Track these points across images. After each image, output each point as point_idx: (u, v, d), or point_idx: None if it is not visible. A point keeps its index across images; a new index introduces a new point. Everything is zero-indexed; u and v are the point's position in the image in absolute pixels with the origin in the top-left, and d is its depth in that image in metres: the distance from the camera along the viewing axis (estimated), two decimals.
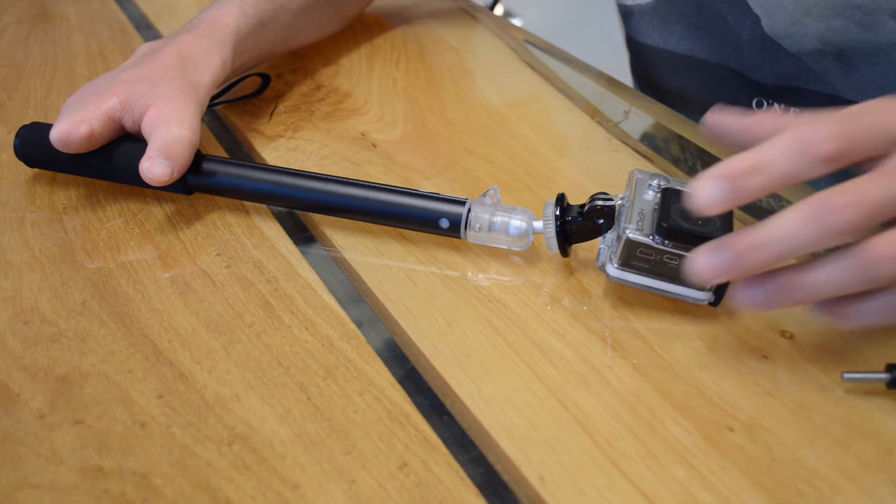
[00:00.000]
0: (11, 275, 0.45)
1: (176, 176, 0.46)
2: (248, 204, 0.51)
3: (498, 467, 0.36)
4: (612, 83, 0.64)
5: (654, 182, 0.42)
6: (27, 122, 0.53)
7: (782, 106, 0.59)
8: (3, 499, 0.34)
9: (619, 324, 0.42)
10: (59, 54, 0.68)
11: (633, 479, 0.34)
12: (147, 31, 0.72)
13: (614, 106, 0.61)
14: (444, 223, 0.46)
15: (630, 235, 0.40)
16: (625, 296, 0.43)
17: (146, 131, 0.47)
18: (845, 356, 0.40)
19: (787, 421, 0.37)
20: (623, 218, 0.41)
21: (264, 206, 0.51)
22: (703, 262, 0.36)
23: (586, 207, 0.43)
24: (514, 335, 0.41)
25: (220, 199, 0.51)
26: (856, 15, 0.52)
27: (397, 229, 0.48)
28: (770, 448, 0.36)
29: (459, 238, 0.46)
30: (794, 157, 0.34)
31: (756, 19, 0.56)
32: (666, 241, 0.39)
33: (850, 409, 0.38)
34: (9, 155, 0.55)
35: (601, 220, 0.43)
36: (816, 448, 0.36)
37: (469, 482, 0.35)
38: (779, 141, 0.34)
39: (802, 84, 0.57)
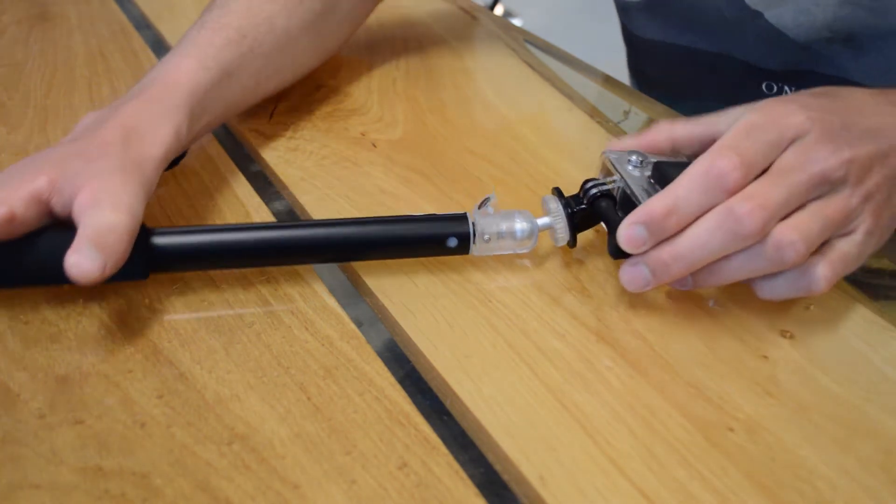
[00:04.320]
0: None
1: (109, 271, 0.38)
2: (248, 204, 0.51)
3: (498, 467, 0.36)
4: (611, 83, 0.64)
5: (633, 158, 0.43)
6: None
7: (792, 89, 0.59)
8: (3, 499, 0.34)
9: (620, 324, 0.42)
10: (59, 54, 0.68)
11: (633, 479, 0.34)
12: (147, 30, 0.72)
13: (614, 106, 0.61)
14: (453, 242, 0.43)
15: None
16: (625, 295, 0.43)
17: (76, 216, 0.40)
18: (845, 356, 0.40)
19: (787, 421, 0.37)
20: (633, 199, 0.42)
21: (264, 205, 0.51)
22: (627, 276, 0.40)
23: (588, 195, 0.44)
24: (514, 335, 0.41)
25: (218, 197, 0.51)
26: (864, 1, 0.51)
27: None
28: (770, 448, 0.36)
29: (468, 254, 0.44)
30: (704, 193, 0.38)
31: (757, 14, 0.56)
32: None
33: (850, 409, 0.38)
34: (9, 155, 0.55)
35: (605, 204, 0.43)
36: (816, 448, 0.36)
37: (469, 482, 0.35)
38: (687, 180, 0.39)
39: (812, 68, 0.57)
